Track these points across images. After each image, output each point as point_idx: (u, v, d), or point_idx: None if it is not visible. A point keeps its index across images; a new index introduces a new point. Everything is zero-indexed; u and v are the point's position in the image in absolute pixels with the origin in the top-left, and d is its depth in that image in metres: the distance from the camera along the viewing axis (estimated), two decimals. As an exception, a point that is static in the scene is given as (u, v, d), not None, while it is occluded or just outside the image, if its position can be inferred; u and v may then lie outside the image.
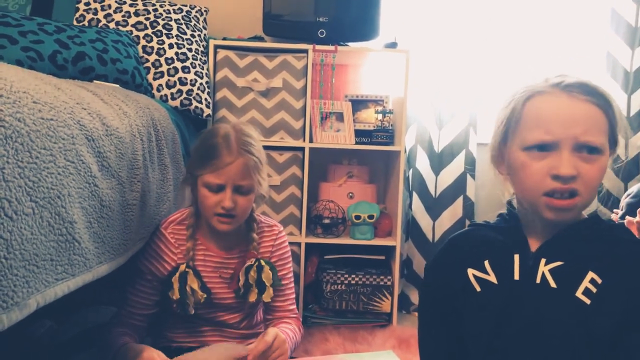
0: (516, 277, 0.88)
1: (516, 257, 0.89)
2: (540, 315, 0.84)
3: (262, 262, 1.34)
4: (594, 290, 0.81)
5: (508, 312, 0.86)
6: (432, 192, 2.37)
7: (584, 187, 0.81)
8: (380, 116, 2.23)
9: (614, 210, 1.67)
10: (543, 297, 0.84)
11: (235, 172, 1.24)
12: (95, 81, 1.57)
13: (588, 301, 0.81)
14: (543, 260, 0.86)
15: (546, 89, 0.85)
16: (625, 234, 0.88)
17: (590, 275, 0.82)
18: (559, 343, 0.81)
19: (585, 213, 0.91)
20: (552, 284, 0.84)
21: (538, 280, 0.85)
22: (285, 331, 1.29)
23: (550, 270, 0.85)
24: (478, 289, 0.91)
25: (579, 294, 0.82)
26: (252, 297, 1.33)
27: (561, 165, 0.81)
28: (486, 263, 0.91)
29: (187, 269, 1.29)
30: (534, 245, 0.90)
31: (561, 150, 0.81)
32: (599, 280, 0.81)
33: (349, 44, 2.19)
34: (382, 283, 2.08)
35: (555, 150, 0.82)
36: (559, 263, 0.85)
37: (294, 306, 1.43)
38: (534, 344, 0.83)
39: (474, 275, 0.92)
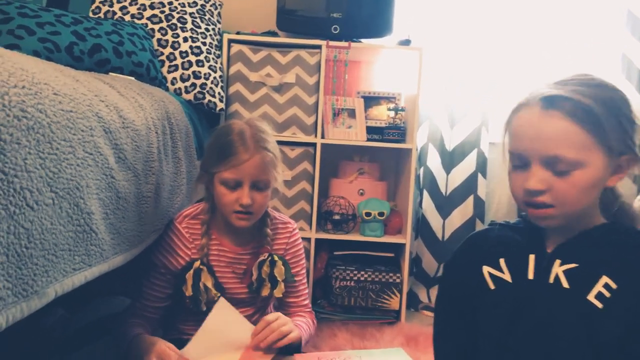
0: (530, 276, 0.88)
1: (531, 257, 0.90)
2: (551, 316, 0.84)
3: (275, 258, 1.35)
4: (608, 294, 0.81)
5: (520, 311, 0.87)
6: (443, 191, 2.36)
7: (555, 200, 0.83)
8: (392, 113, 2.23)
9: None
10: (555, 298, 0.84)
11: (253, 168, 1.24)
12: (110, 73, 1.58)
13: (600, 305, 0.81)
14: (557, 262, 0.87)
15: (529, 102, 0.86)
16: None
17: (604, 279, 0.82)
18: (567, 344, 0.81)
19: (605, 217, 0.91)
20: (565, 285, 0.84)
21: (551, 280, 0.86)
22: (298, 322, 1.31)
23: (565, 272, 0.85)
24: (492, 286, 0.91)
25: (590, 297, 0.82)
26: (265, 292, 1.34)
27: (529, 179, 0.83)
28: (502, 261, 0.92)
29: (201, 266, 1.30)
30: (550, 247, 0.90)
31: (532, 164, 0.84)
32: (614, 285, 0.81)
33: (363, 40, 2.18)
34: (391, 280, 2.09)
35: (529, 164, 0.85)
36: (573, 265, 0.85)
37: (308, 301, 1.44)
38: (543, 343, 0.84)
39: (489, 273, 0.92)
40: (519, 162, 0.86)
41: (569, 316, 0.82)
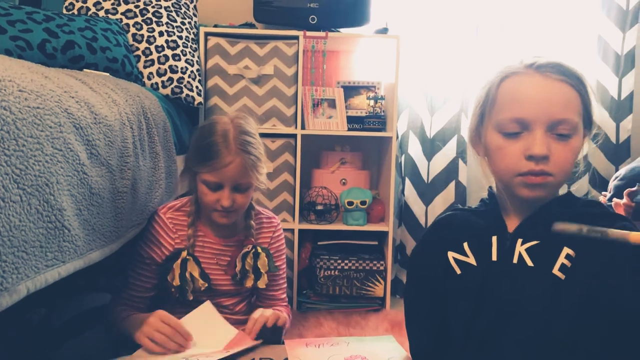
0: (494, 258, 0.89)
1: (494, 238, 0.90)
2: (519, 294, 0.84)
3: (259, 250, 1.36)
4: (569, 264, 0.82)
5: (488, 293, 0.87)
6: (425, 178, 2.38)
7: (555, 168, 0.82)
8: (372, 102, 2.23)
9: (603, 192, 1.69)
10: (521, 276, 0.85)
11: (234, 172, 1.25)
12: (85, 70, 1.57)
13: (563, 276, 0.82)
14: (519, 240, 0.87)
15: (520, 70, 0.87)
16: (596, 209, 0.89)
17: (566, 251, 0.83)
18: (537, 321, 0.82)
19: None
20: (529, 263, 0.85)
21: (515, 260, 0.86)
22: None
23: (527, 250, 0.86)
24: (458, 271, 0.92)
25: (555, 270, 0.82)
26: (249, 283, 1.35)
27: (534, 145, 0.82)
28: (465, 245, 0.92)
29: (187, 256, 1.31)
30: (511, 226, 0.91)
31: (534, 130, 0.83)
32: (573, 254, 0.82)
33: (340, 30, 2.18)
34: (375, 268, 2.10)
35: (529, 131, 0.83)
36: (535, 242, 0.86)
37: (285, 295, 1.47)
38: (513, 323, 0.84)
39: (454, 258, 0.93)
40: (517, 129, 0.84)
41: (536, 293, 0.83)
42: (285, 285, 1.47)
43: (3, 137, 0.67)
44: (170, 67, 1.91)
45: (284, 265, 1.47)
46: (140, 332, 1.16)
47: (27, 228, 0.72)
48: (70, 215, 0.86)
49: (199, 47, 2.09)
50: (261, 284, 1.36)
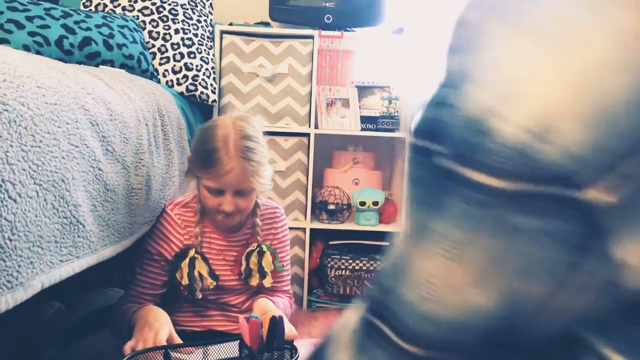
0: None
1: None
2: None
3: (264, 248, 1.36)
4: None
5: None
6: (438, 179, 2.37)
7: None
8: (386, 102, 2.23)
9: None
10: None
11: (234, 179, 1.23)
12: (101, 66, 1.58)
13: None
14: None
15: None
16: None
17: None
18: None
19: None
20: None
21: None
22: (275, 300, 1.34)
23: None
24: None
25: None
26: (254, 282, 1.35)
27: None
28: None
29: (196, 255, 1.31)
30: None
31: None
32: None
33: (355, 29, 2.18)
34: (386, 269, 2.10)
35: None
36: None
37: (289, 287, 1.46)
38: None
39: None
40: None
41: None
42: (288, 277, 1.46)
43: (21, 133, 0.68)
44: (185, 64, 1.92)
45: (288, 257, 1.45)
46: (135, 337, 1.11)
47: (43, 223, 0.73)
48: (85, 211, 0.86)
49: (214, 45, 2.10)
50: (267, 283, 1.35)
